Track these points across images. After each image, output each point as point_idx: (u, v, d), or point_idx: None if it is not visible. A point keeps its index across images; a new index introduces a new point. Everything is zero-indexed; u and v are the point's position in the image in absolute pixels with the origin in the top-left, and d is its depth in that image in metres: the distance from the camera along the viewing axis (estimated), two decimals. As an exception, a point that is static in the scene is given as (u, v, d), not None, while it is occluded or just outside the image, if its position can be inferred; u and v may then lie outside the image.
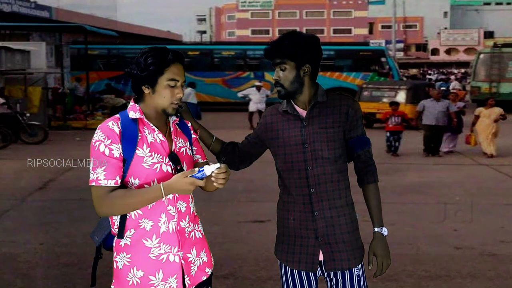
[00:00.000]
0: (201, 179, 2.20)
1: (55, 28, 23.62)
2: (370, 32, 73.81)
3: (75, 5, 35.10)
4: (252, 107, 17.71)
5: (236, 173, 2.56)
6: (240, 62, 25.14)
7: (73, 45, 24.72)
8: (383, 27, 73.58)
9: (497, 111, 12.23)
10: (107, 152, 2.25)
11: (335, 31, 72.23)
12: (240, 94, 19.11)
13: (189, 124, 2.53)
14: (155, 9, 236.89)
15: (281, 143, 2.62)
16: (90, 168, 2.26)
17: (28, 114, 14.17)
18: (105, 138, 2.26)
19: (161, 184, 2.22)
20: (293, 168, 2.58)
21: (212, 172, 2.18)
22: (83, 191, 8.16)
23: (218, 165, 2.21)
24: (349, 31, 72.27)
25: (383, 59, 24.72)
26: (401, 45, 67.42)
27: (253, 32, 74.22)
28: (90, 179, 2.26)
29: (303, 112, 2.59)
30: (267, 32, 73.43)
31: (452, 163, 11.54)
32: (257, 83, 18.60)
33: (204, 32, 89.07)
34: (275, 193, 2.75)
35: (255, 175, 8.11)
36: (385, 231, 2.61)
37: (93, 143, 2.27)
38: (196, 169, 2.22)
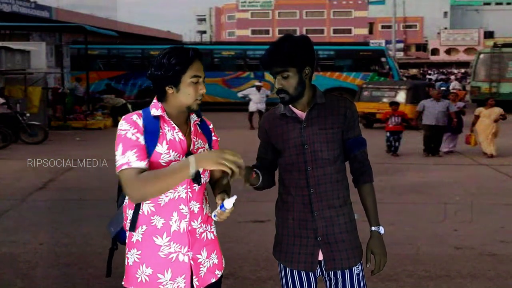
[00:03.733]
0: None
1: (55, 28, 23.60)
2: (370, 32, 73.81)
3: (75, 5, 35.14)
4: (252, 107, 17.72)
5: (236, 173, 2.55)
6: (240, 62, 25.14)
7: (73, 45, 24.71)
8: (383, 27, 73.58)
9: (497, 111, 12.23)
10: (134, 138, 2.27)
11: (335, 31, 72.22)
12: (240, 94, 19.11)
13: (211, 126, 2.55)
14: (155, 9, 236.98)
15: (281, 145, 2.63)
16: (119, 154, 2.25)
17: (28, 114, 14.16)
18: (131, 127, 2.28)
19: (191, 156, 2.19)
20: (293, 169, 2.59)
21: (233, 204, 2.26)
22: (83, 191, 8.21)
23: (235, 196, 2.27)
24: (349, 31, 72.26)
25: (383, 59, 24.72)
26: (401, 45, 67.43)
27: (253, 32, 74.21)
28: (120, 163, 2.24)
29: (302, 114, 2.60)
30: (267, 32, 73.41)
31: (452, 163, 11.54)
32: (257, 83, 18.60)
33: (204, 32, 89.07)
34: (275, 193, 2.75)
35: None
36: (381, 229, 2.64)
37: (119, 133, 2.29)
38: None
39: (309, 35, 2.76)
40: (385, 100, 16.69)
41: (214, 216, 2.30)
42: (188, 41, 62.06)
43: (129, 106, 18.55)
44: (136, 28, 39.43)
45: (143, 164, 2.24)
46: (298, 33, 2.75)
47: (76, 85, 22.02)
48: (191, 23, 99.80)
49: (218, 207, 2.28)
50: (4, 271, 5.07)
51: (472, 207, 7.38)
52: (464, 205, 7.61)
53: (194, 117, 2.44)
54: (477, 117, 12.30)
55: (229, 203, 2.24)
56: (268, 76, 23.18)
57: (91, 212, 7.08)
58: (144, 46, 26.73)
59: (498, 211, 7.42)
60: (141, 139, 2.28)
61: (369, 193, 2.65)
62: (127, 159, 2.24)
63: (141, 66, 24.68)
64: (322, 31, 71.71)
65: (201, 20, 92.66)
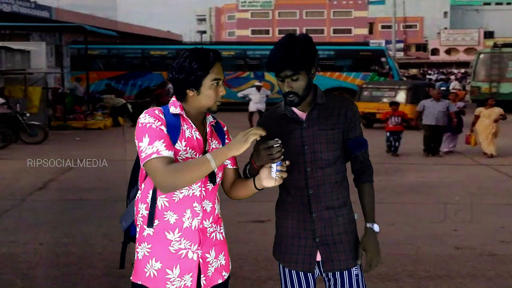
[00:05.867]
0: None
1: (55, 28, 23.60)
2: (370, 32, 73.78)
3: (75, 5, 35.07)
4: (252, 107, 17.71)
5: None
6: (240, 62, 25.12)
7: (73, 45, 24.71)
8: (383, 27, 73.54)
9: (497, 111, 12.23)
10: (158, 130, 2.28)
11: (335, 31, 72.21)
12: (240, 94, 19.10)
13: (225, 128, 2.57)
14: (155, 9, 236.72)
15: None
16: (145, 144, 2.25)
17: (28, 114, 14.15)
18: (155, 120, 2.30)
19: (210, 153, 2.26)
20: (293, 170, 2.58)
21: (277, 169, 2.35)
22: (83, 191, 8.21)
23: (279, 140, 2.36)
24: (349, 31, 72.24)
25: (383, 59, 24.72)
26: (401, 45, 67.37)
27: (253, 32, 74.19)
28: (147, 154, 2.24)
29: (302, 115, 2.60)
30: (267, 32, 73.40)
31: (452, 163, 11.54)
32: (257, 83, 18.58)
33: (204, 32, 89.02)
34: (275, 193, 2.75)
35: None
36: (376, 227, 2.63)
37: (142, 125, 2.28)
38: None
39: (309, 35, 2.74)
40: (385, 100, 16.69)
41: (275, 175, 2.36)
42: (188, 41, 62.05)
43: (129, 106, 18.53)
44: (136, 28, 39.43)
45: (171, 153, 2.25)
46: (298, 33, 2.70)
47: (76, 85, 22.01)
48: (191, 23, 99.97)
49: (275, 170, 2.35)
50: (4, 271, 5.07)
51: (472, 207, 7.38)
52: (464, 205, 7.61)
53: (210, 118, 2.47)
54: (477, 117, 12.30)
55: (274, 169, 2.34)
56: (268, 76, 23.20)
57: (91, 212, 7.07)
58: (144, 46, 26.73)
59: (498, 211, 7.42)
60: (165, 131, 2.30)
61: (369, 192, 2.65)
62: (156, 148, 2.24)
63: (141, 66, 24.69)
64: (322, 31, 71.70)
65: (201, 20, 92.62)
